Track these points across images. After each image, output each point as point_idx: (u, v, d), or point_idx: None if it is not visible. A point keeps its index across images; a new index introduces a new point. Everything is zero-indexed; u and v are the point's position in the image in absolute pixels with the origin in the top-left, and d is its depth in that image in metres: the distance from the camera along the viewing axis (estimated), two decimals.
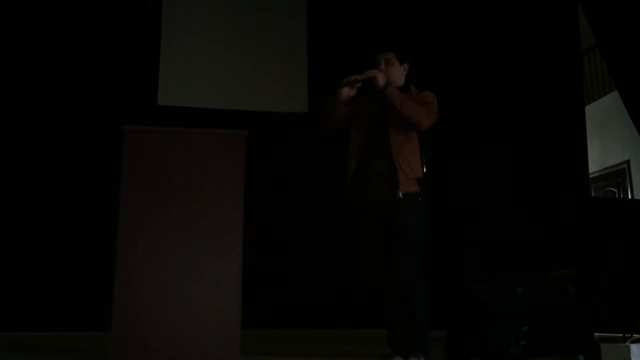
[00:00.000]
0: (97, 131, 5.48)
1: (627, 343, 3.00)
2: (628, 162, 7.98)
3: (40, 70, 5.75)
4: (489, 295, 3.43)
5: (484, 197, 5.95)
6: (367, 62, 3.26)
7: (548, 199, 6.12)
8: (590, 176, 6.90)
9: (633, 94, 5.30)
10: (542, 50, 6.32)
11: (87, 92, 5.75)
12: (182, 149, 3.11)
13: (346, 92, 3.17)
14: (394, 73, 3.22)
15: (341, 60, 5.48)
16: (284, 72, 6.23)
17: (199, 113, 5.83)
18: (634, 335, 3.52)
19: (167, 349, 2.93)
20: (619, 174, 8.14)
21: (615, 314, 4.11)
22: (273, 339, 4.75)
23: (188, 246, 3.02)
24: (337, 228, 5.41)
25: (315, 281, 5.65)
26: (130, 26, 5.93)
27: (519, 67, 6.29)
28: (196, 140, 3.14)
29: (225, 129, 3.25)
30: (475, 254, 5.80)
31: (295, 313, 5.48)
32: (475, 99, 6.26)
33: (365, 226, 3.21)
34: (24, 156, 5.54)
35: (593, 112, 7.92)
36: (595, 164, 7.96)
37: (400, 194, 3.03)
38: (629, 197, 7.79)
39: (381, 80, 3.13)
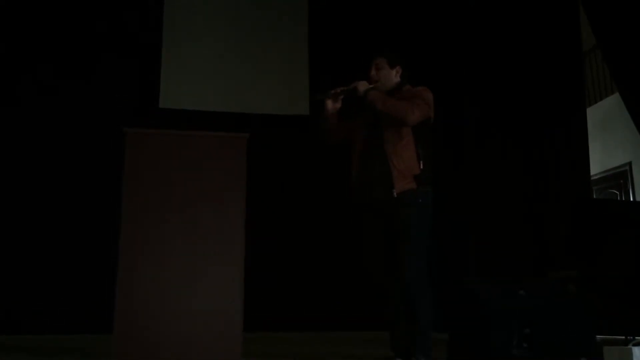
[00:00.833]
0: (98, 133, 5.48)
1: (630, 346, 3.00)
2: (630, 164, 7.97)
3: (41, 72, 5.75)
4: (490, 296, 3.43)
5: (486, 198, 5.96)
6: (367, 65, 3.33)
7: (549, 201, 6.11)
8: (592, 178, 6.90)
9: (634, 96, 5.30)
10: (544, 52, 6.32)
11: (89, 95, 5.76)
12: (184, 151, 3.11)
13: (331, 105, 3.30)
14: (385, 77, 3.30)
15: (342, 62, 5.48)
16: (285, 74, 6.23)
17: (201, 116, 5.83)
18: (637, 337, 3.52)
19: (168, 351, 2.92)
20: (620, 176, 8.14)
21: (617, 316, 4.10)
22: (275, 341, 4.75)
23: (190, 248, 3.02)
24: (338, 230, 5.41)
25: (317, 283, 5.64)
26: (132, 28, 5.93)
27: (520, 69, 6.29)
28: (197, 143, 3.14)
29: (226, 132, 3.24)
30: (476, 255, 5.80)
31: (297, 315, 5.47)
32: (477, 100, 6.26)
33: (366, 227, 3.24)
34: (25, 158, 5.54)
35: (594, 113, 7.91)
36: (597, 165, 7.95)
37: (395, 194, 3.06)
38: (631, 199, 7.78)
39: (361, 87, 3.23)
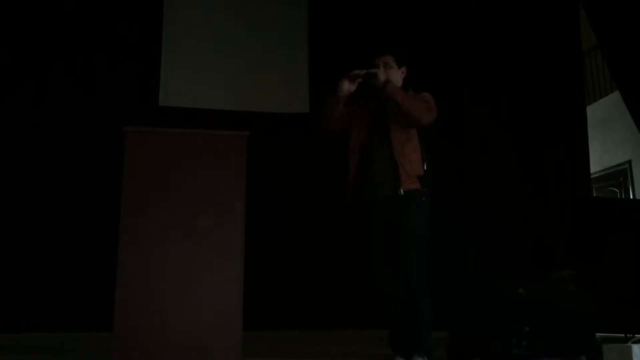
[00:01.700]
0: (98, 132, 5.47)
1: (629, 343, 3.00)
2: (629, 162, 7.98)
3: (40, 71, 5.74)
4: (490, 295, 3.43)
5: (485, 197, 5.95)
6: (367, 64, 3.27)
7: (549, 199, 6.11)
8: (592, 176, 6.89)
9: (634, 94, 5.30)
10: (544, 51, 6.32)
11: (88, 94, 5.74)
12: (184, 150, 3.11)
13: (347, 86, 3.17)
14: (393, 76, 3.24)
15: (343, 60, 5.45)
16: (285, 72, 6.22)
17: (200, 114, 5.82)
18: (636, 335, 3.52)
19: (168, 350, 2.92)
20: (620, 174, 8.14)
21: (617, 314, 4.10)
22: (274, 340, 4.75)
23: (189, 247, 3.01)
24: (339, 229, 5.40)
25: (317, 282, 5.64)
26: (131, 27, 5.92)
27: (520, 68, 6.28)
28: (197, 141, 3.14)
29: (226, 130, 3.24)
30: (475, 254, 5.80)
31: (297, 314, 5.47)
32: (477, 99, 6.26)
33: (367, 226, 3.22)
34: (25, 157, 5.53)
35: (594, 112, 7.92)
36: (597, 164, 7.95)
37: (402, 191, 3.05)
38: (631, 197, 7.78)
39: (382, 76, 3.15)
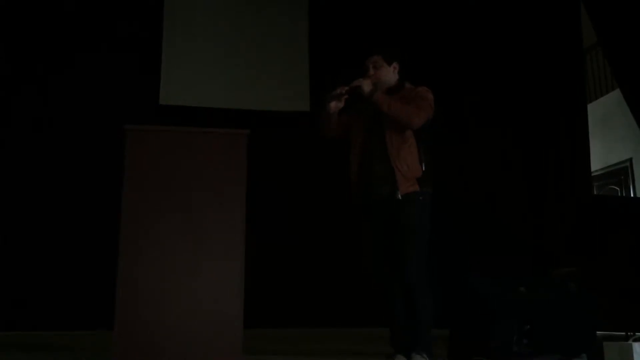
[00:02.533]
0: (99, 131, 5.48)
1: (630, 341, 3.00)
2: (630, 160, 7.97)
3: (41, 70, 5.75)
4: (491, 293, 3.43)
5: (486, 195, 5.95)
6: (363, 65, 3.30)
7: (550, 198, 6.11)
8: (593, 174, 6.89)
9: (635, 92, 5.29)
10: (544, 49, 6.31)
11: (89, 92, 5.75)
12: (184, 148, 3.11)
13: (334, 105, 3.24)
14: (384, 74, 3.27)
15: (343, 58, 5.47)
16: (285, 70, 6.22)
17: (201, 112, 5.83)
18: (637, 333, 3.52)
19: (169, 348, 2.93)
20: (621, 172, 8.13)
21: (618, 312, 4.10)
22: (275, 338, 4.75)
23: (190, 245, 3.02)
24: (339, 227, 5.41)
25: (317, 280, 5.65)
26: (132, 25, 5.93)
27: (521, 66, 6.28)
28: (198, 140, 3.14)
29: (227, 128, 3.24)
30: (476, 252, 5.80)
31: (298, 312, 5.48)
32: (477, 97, 6.26)
33: (366, 226, 3.23)
34: (26, 156, 5.54)
35: (595, 110, 7.90)
36: (598, 162, 7.95)
37: (399, 195, 3.06)
38: (632, 195, 7.78)
39: (366, 87, 3.18)
